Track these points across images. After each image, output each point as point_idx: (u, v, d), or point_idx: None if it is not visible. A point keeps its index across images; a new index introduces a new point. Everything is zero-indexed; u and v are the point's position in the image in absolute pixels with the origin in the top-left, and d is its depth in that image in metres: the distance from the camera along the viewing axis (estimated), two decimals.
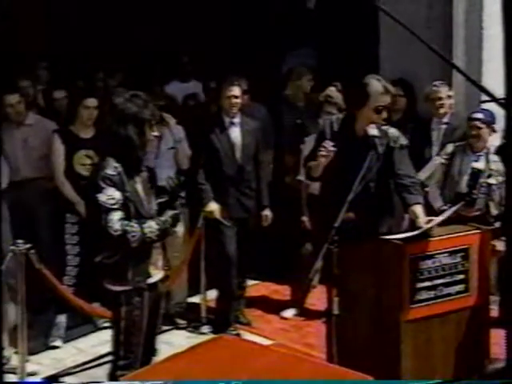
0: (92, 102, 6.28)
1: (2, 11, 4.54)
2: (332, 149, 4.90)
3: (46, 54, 9.02)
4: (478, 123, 6.04)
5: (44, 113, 7.32)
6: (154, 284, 4.48)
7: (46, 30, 9.71)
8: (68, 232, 6.23)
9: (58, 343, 6.18)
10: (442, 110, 6.62)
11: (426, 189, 6.25)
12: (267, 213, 6.59)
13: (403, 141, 5.16)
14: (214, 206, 6.30)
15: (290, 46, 9.35)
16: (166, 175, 4.91)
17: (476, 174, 6.02)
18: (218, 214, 6.30)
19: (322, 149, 4.93)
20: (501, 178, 5.83)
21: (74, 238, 6.22)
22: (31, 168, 6.45)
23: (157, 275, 4.49)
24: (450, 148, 6.24)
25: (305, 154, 6.08)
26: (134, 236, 4.22)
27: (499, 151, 6.01)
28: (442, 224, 4.91)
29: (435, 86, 6.57)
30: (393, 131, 5.17)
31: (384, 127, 5.15)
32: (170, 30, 9.72)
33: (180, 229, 6.31)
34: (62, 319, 6.24)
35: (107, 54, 9.13)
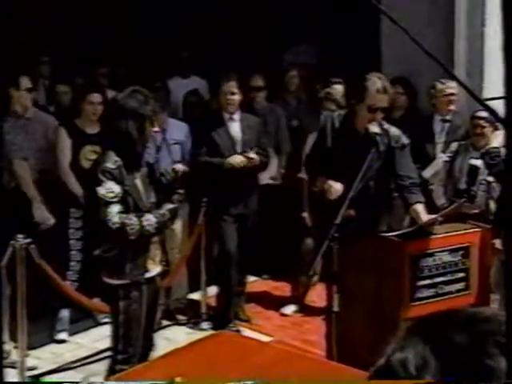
0: (96, 97, 6.26)
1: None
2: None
3: (49, 48, 9.00)
4: (481, 122, 6.00)
5: (45, 107, 7.30)
6: (153, 278, 4.49)
7: (50, 25, 9.69)
8: (72, 227, 6.21)
9: (63, 336, 6.18)
10: (451, 106, 6.54)
11: (431, 187, 6.24)
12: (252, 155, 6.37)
13: (405, 140, 5.13)
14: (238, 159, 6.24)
15: (290, 43, 9.33)
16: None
17: (473, 171, 6.01)
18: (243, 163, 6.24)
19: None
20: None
21: (78, 232, 6.21)
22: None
23: (155, 270, 4.51)
24: (454, 146, 6.23)
25: (306, 151, 6.07)
26: (132, 229, 4.24)
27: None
28: (442, 222, 4.90)
29: (441, 82, 6.48)
30: (394, 130, 5.13)
31: (386, 126, 5.12)
32: (171, 26, 9.70)
33: (178, 225, 6.28)
34: (65, 313, 6.23)
35: (109, 49, 9.11)
